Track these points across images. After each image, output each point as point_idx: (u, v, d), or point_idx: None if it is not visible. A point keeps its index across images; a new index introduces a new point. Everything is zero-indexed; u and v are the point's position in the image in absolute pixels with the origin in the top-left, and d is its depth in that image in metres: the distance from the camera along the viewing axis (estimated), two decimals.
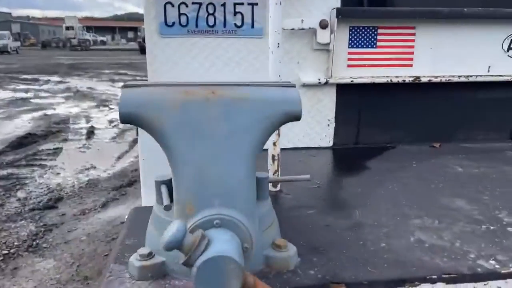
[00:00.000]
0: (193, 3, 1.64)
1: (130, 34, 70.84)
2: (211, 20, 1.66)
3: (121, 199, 4.73)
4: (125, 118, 0.65)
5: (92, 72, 18.47)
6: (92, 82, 15.15)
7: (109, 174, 5.59)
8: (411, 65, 1.81)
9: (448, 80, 1.81)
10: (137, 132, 1.24)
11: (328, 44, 1.70)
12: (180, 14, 1.65)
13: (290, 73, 1.76)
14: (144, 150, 1.24)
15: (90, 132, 7.77)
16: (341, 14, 1.65)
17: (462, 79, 1.81)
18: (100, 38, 58.31)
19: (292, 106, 0.69)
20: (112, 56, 29.94)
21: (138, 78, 16.79)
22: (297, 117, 0.69)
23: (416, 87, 1.82)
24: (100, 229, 4.00)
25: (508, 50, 1.84)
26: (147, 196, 1.27)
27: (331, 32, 1.68)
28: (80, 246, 3.66)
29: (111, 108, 10.42)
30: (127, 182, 5.24)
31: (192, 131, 0.65)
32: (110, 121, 8.92)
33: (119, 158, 6.33)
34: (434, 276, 0.86)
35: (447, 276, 0.86)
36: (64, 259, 3.42)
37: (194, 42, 1.68)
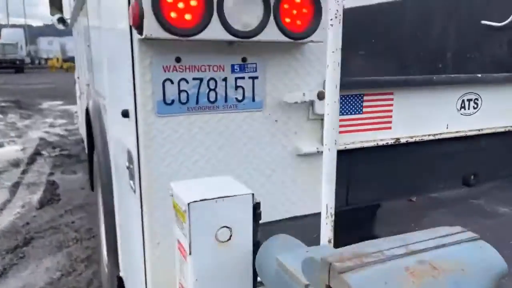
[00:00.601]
0: (193, 78, 1.49)
1: None
2: (212, 95, 1.54)
3: (21, 264, 4.03)
4: None
5: None
6: None
7: None
8: (390, 128, 1.92)
9: (421, 139, 1.97)
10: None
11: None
12: (180, 91, 1.48)
13: (288, 143, 1.72)
14: (199, 266, 1.08)
15: None
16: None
17: (430, 137, 2.00)
18: None
19: (502, 268, 0.67)
20: None
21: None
22: (504, 277, 0.67)
23: (395, 147, 1.94)
24: None
25: (460, 109, 2.09)
26: None
27: None
28: None
29: None
30: (22, 240, 4.49)
31: None
32: None
33: (1, 210, 5.41)
34: None
35: None
36: None
37: (194, 119, 1.53)
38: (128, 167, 1.73)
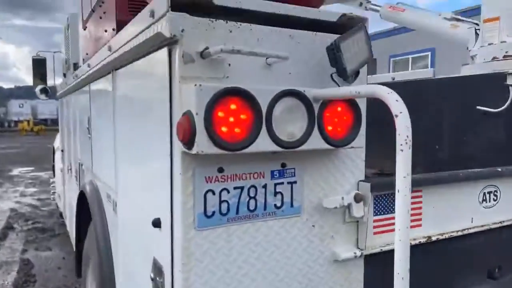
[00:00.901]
0: (235, 188, 1.42)
1: None
2: (252, 204, 1.47)
3: None
4: None
5: None
6: None
7: None
8: (420, 225, 1.88)
9: (450, 235, 1.93)
10: None
11: (362, 217, 1.66)
12: (221, 202, 1.41)
13: (325, 249, 1.64)
14: None
15: None
16: (373, 188, 1.65)
17: (459, 233, 1.96)
18: None
19: None
20: None
21: None
22: None
23: (423, 245, 1.89)
24: None
25: (482, 202, 2.09)
26: None
27: (365, 205, 1.65)
28: None
29: None
30: None
31: None
32: None
33: None
34: None
35: None
36: None
37: (234, 230, 1.44)
38: (153, 279, 1.59)
